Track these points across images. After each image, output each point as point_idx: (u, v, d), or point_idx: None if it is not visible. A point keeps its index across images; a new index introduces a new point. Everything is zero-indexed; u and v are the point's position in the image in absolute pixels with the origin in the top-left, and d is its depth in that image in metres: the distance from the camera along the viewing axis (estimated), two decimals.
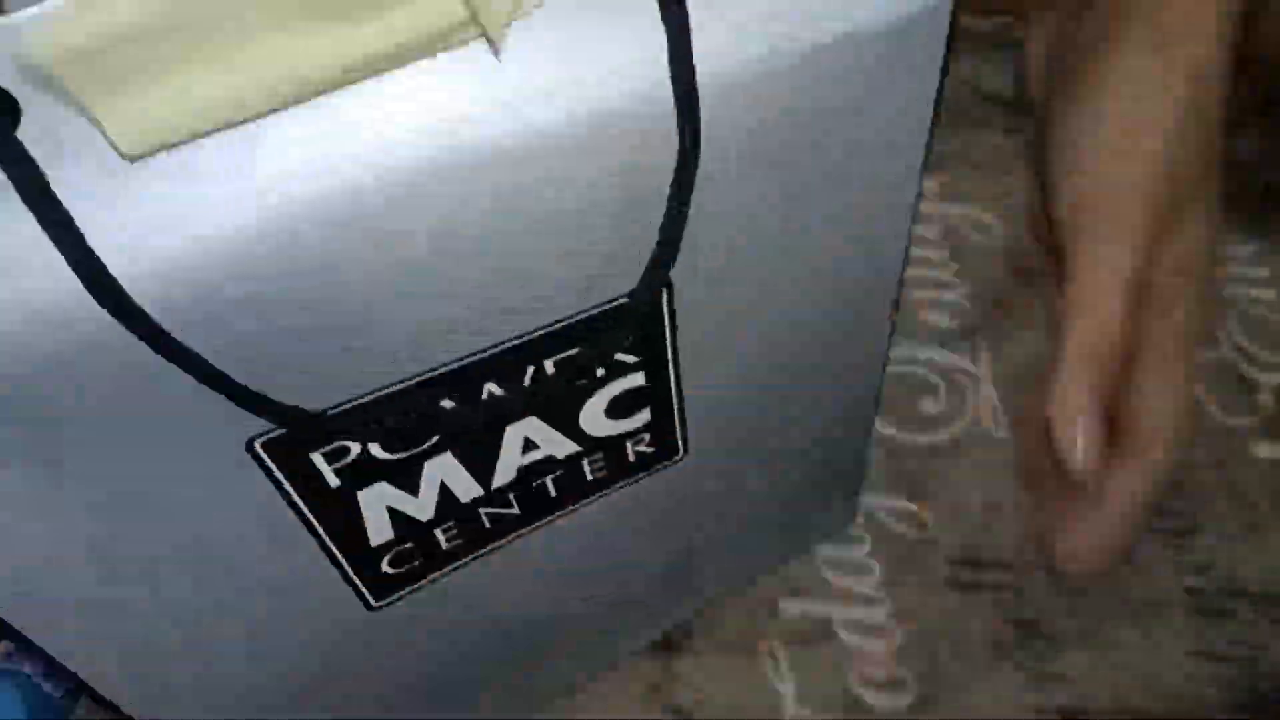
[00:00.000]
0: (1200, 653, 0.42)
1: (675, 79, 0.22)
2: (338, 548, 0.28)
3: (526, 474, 0.30)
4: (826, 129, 0.26)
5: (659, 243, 0.25)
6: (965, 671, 0.42)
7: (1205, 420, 0.47)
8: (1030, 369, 0.48)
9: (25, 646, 0.32)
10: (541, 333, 0.26)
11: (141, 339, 0.20)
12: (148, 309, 0.20)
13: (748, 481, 0.38)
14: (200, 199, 0.20)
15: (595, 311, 0.26)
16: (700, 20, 0.22)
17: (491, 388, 0.27)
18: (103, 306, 0.19)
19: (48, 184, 0.18)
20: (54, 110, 0.18)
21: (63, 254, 0.19)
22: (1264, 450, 0.46)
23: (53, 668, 0.36)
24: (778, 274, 0.30)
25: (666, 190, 0.24)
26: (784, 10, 0.23)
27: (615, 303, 0.27)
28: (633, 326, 0.27)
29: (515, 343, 0.26)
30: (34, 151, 0.18)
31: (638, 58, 0.22)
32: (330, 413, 0.24)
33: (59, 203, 0.18)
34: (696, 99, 0.22)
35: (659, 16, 0.21)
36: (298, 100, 0.19)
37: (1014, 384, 0.48)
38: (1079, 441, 0.36)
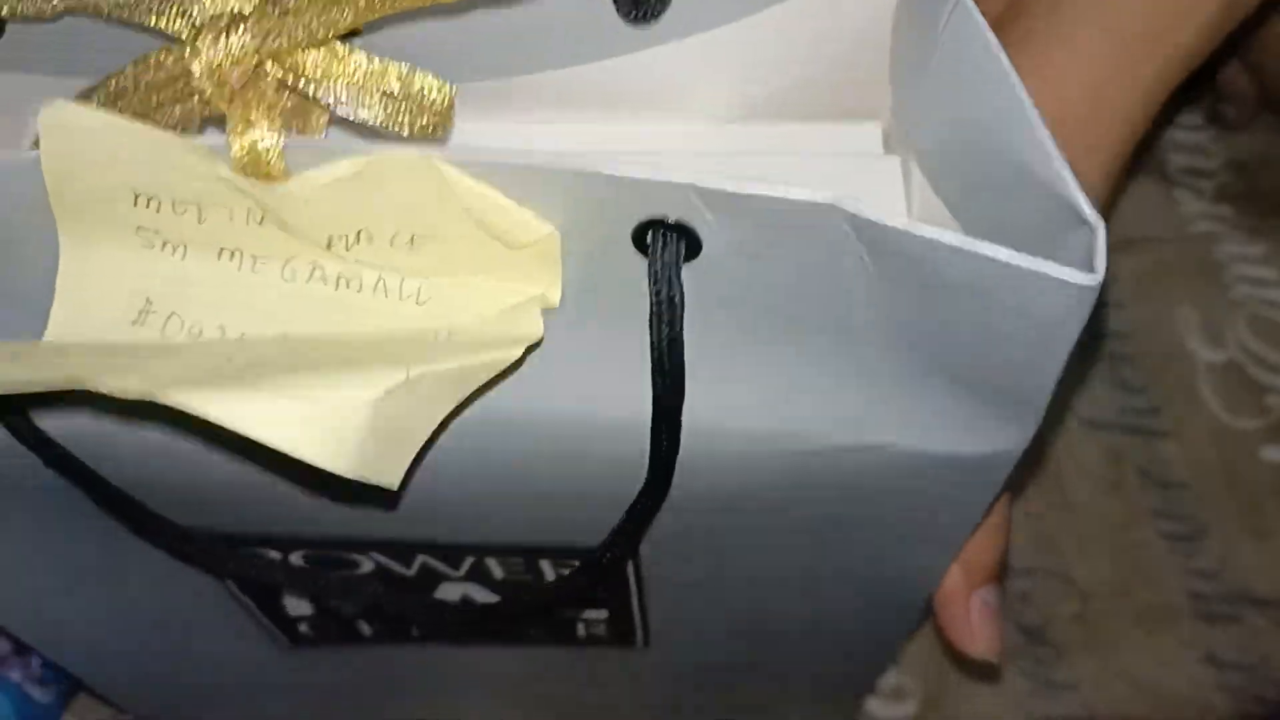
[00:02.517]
0: (1207, 659, 0.42)
1: (654, 441, 0.20)
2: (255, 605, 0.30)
3: (464, 606, 0.29)
4: (845, 517, 0.25)
5: (610, 540, 0.23)
6: (969, 679, 0.41)
7: (1213, 423, 0.46)
8: None
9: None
10: (495, 542, 0.26)
11: None
12: None
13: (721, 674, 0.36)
14: None
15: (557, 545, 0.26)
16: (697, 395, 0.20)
17: (426, 560, 0.27)
18: None
19: None
20: None
21: None
22: (1272, 454, 0.45)
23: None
24: (766, 580, 0.29)
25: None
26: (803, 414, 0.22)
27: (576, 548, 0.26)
28: (590, 583, 0.25)
29: (466, 543, 0.26)
30: None
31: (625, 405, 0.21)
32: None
33: None
34: (673, 464, 0.21)
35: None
36: None
37: None
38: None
